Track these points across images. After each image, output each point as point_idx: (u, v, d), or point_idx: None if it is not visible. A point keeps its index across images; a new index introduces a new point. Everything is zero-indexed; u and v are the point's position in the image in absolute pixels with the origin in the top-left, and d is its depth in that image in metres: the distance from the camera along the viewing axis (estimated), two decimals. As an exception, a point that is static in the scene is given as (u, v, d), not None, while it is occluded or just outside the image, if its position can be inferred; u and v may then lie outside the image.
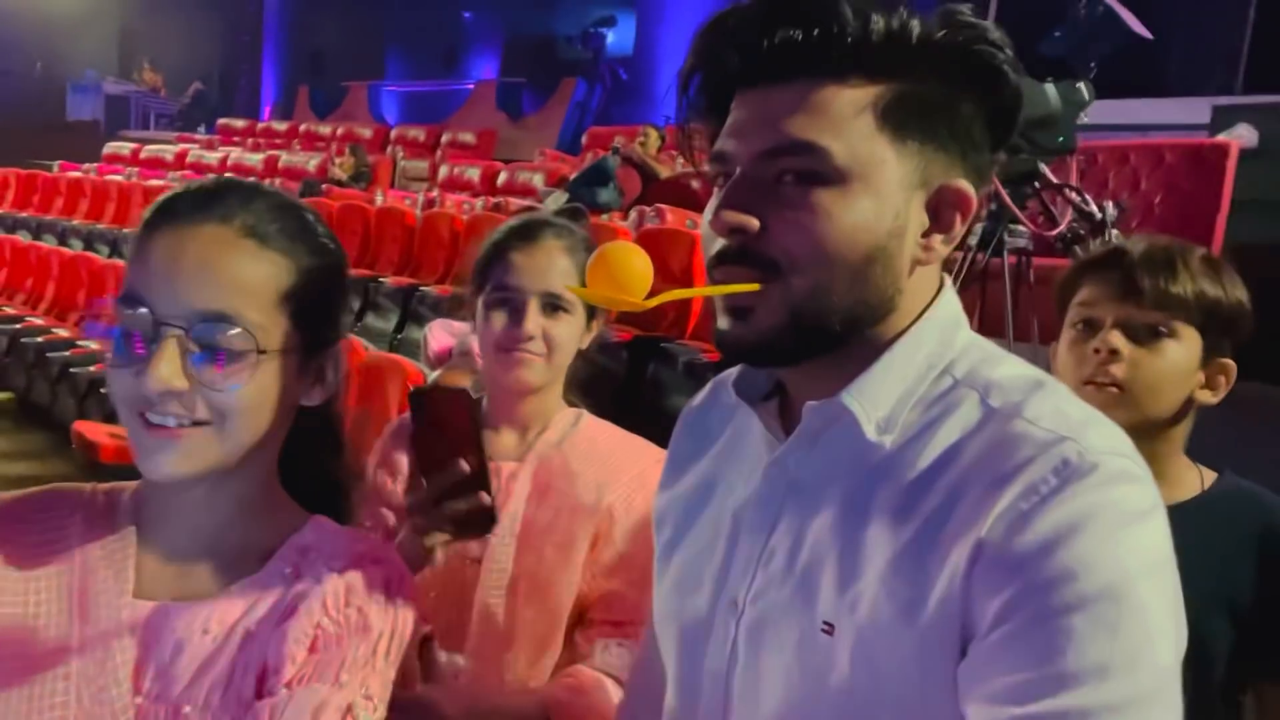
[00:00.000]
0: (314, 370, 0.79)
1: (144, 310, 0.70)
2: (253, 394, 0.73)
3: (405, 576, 0.81)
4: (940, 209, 0.69)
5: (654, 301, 0.69)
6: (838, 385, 0.70)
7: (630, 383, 3.76)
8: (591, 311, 1.22)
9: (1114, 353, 1.12)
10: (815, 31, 0.65)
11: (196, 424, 0.71)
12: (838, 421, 0.70)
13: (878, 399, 0.69)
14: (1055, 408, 0.66)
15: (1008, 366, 0.70)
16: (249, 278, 0.72)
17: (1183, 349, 1.13)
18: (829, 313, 0.67)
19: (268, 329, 0.73)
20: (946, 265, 0.75)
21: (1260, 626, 1.09)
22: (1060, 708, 0.57)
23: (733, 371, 0.80)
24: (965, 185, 0.69)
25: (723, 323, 0.70)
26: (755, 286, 0.67)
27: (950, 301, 0.74)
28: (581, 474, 1.21)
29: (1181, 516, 1.12)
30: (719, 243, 0.69)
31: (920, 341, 0.70)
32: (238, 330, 0.71)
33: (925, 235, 0.70)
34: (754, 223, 0.67)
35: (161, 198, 0.76)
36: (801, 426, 0.72)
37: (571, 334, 1.20)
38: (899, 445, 0.68)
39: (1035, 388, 0.67)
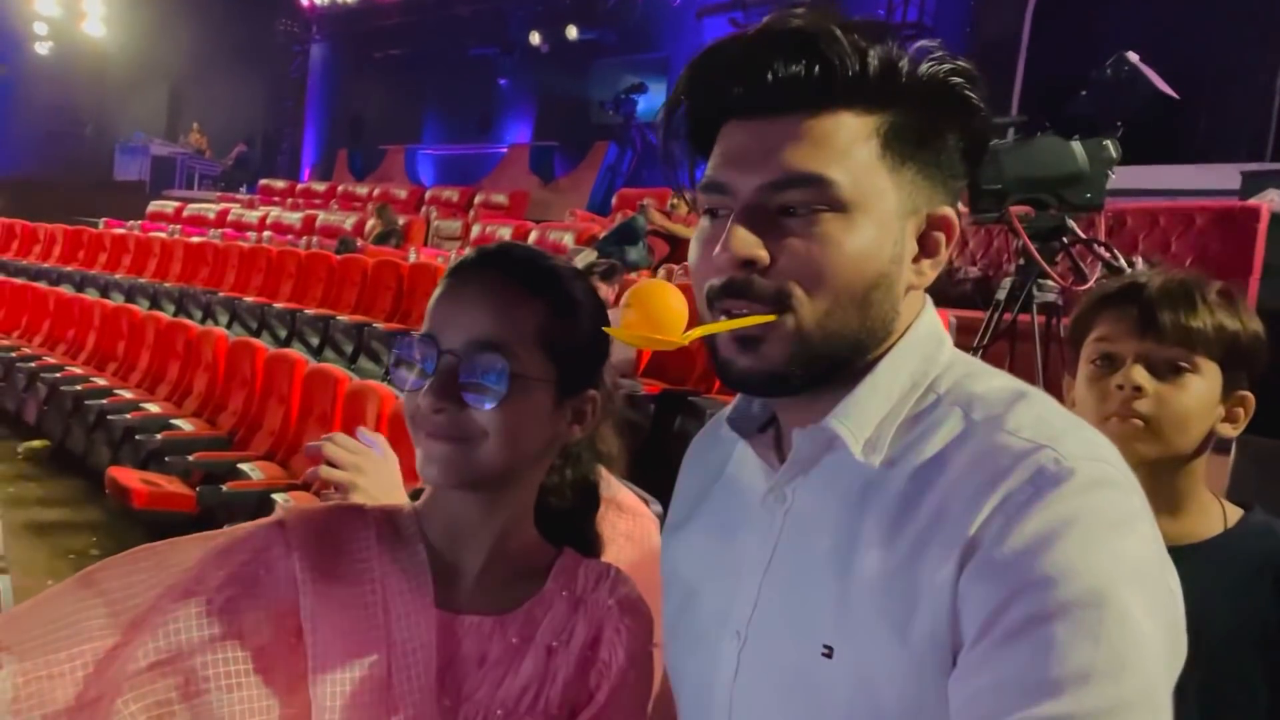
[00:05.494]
0: (572, 409, 0.87)
1: (431, 342, 0.81)
2: (509, 416, 0.80)
3: (651, 617, 0.90)
4: (928, 235, 0.71)
5: (691, 336, 0.69)
6: (826, 409, 0.70)
7: (657, 436, 3.77)
8: None
9: (1138, 389, 1.11)
10: (817, 66, 0.67)
11: (461, 439, 0.80)
12: (827, 446, 0.71)
13: (863, 420, 0.70)
14: (1037, 416, 0.66)
15: (991, 380, 0.71)
16: (513, 314, 0.82)
17: (1205, 383, 1.12)
18: (837, 341, 0.68)
19: (526, 360, 0.81)
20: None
21: None
22: (1042, 716, 0.56)
23: (730, 407, 0.81)
24: (949, 211, 0.71)
25: (728, 353, 0.70)
26: (772, 318, 0.68)
27: (931, 319, 0.74)
28: None
29: (1204, 555, 1.10)
30: (723, 276, 0.69)
31: (903, 360, 0.71)
32: (500, 356, 0.80)
33: (915, 260, 0.71)
34: (766, 255, 0.67)
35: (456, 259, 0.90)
36: (792, 454, 0.73)
37: None
38: (886, 464, 0.69)
39: (1017, 399, 0.67)
